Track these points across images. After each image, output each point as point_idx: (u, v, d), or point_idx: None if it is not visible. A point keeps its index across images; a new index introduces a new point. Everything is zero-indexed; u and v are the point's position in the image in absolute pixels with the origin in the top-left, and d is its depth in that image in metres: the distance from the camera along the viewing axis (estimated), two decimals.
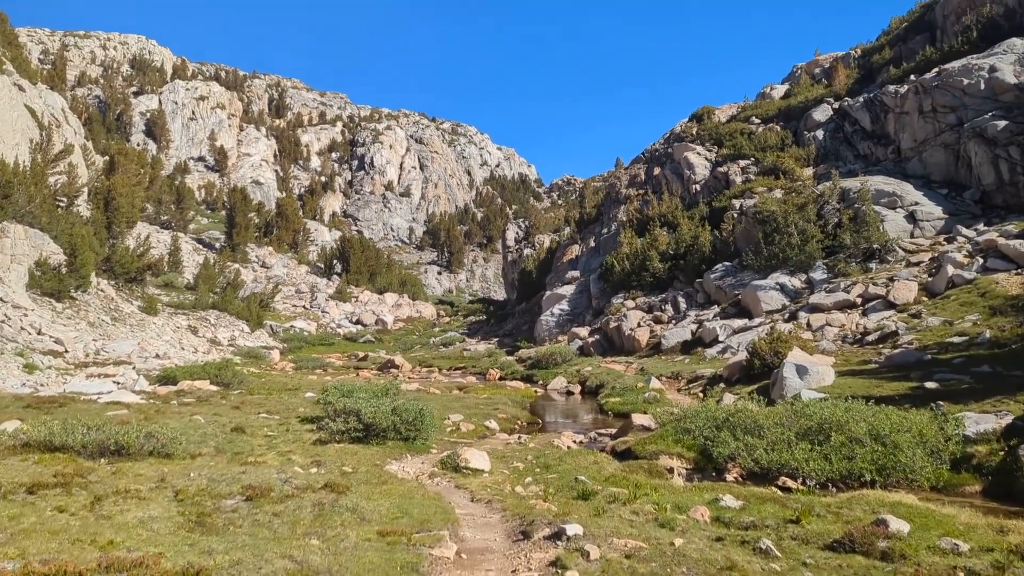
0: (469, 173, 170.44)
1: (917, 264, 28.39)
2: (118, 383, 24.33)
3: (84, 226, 49.60)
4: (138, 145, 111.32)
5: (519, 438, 15.96)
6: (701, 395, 21.72)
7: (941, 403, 14.13)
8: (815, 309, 27.16)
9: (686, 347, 31.50)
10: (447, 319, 76.05)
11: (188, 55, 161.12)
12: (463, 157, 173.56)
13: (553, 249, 68.77)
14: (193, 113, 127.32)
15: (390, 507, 8.58)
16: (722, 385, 21.25)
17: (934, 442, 12.01)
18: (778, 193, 38.76)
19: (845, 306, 26.54)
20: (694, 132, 58.01)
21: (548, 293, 53.25)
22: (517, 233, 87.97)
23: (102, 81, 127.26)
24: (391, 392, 18.34)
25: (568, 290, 51.00)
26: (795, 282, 31.45)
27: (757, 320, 29.31)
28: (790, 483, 11.80)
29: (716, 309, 34.10)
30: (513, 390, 28.54)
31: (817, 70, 62.91)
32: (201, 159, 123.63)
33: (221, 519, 7.58)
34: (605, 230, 57.86)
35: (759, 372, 20.44)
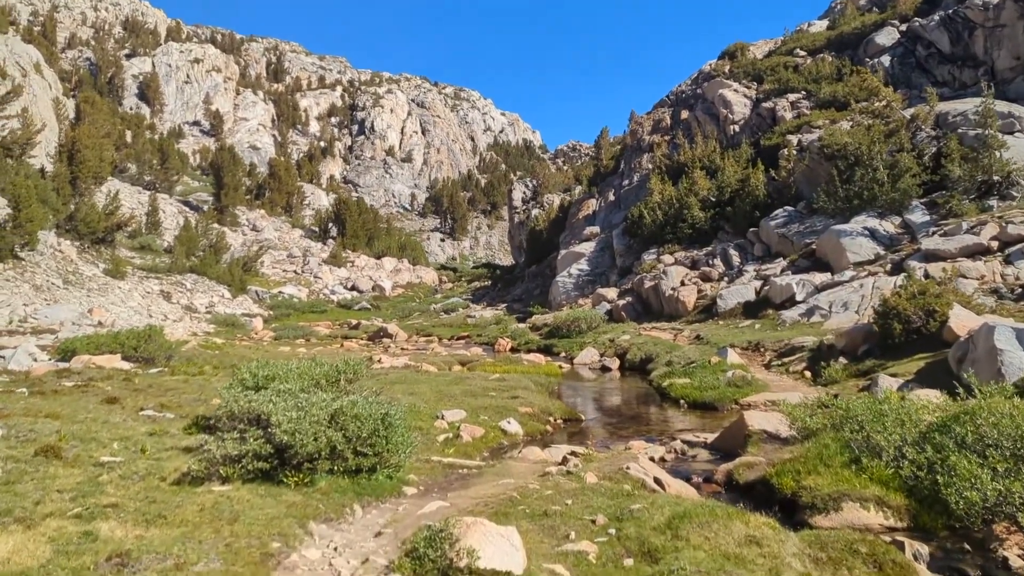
0: (472, 139, 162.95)
1: None
2: (1, 357, 18.36)
3: (37, 179, 44.31)
4: (131, 109, 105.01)
5: (564, 460, 9.15)
6: (808, 375, 15.12)
7: None
8: (932, 257, 20.44)
9: (750, 309, 24.85)
10: (450, 285, 69.51)
11: (184, 18, 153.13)
12: (466, 122, 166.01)
13: (566, 207, 61.70)
14: (188, 76, 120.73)
15: None
16: (842, 360, 14.60)
17: None
18: (846, 124, 31.91)
19: (975, 252, 19.84)
20: (727, 70, 50.93)
21: (564, 252, 46.48)
22: (524, 193, 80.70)
23: (93, 43, 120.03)
24: (348, 376, 11.20)
25: (587, 247, 44.17)
26: (887, 226, 24.72)
27: (848, 274, 22.57)
28: None
29: (783, 262, 27.39)
30: (531, 365, 21.93)
31: (863, 1, 55.55)
32: (196, 123, 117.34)
33: None
34: (626, 182, 50.90)
35: (902, 341, 13.84)
